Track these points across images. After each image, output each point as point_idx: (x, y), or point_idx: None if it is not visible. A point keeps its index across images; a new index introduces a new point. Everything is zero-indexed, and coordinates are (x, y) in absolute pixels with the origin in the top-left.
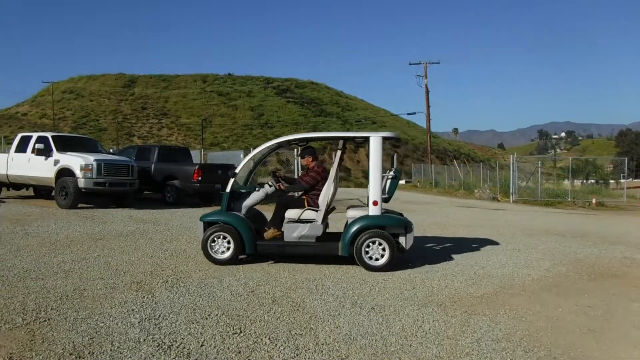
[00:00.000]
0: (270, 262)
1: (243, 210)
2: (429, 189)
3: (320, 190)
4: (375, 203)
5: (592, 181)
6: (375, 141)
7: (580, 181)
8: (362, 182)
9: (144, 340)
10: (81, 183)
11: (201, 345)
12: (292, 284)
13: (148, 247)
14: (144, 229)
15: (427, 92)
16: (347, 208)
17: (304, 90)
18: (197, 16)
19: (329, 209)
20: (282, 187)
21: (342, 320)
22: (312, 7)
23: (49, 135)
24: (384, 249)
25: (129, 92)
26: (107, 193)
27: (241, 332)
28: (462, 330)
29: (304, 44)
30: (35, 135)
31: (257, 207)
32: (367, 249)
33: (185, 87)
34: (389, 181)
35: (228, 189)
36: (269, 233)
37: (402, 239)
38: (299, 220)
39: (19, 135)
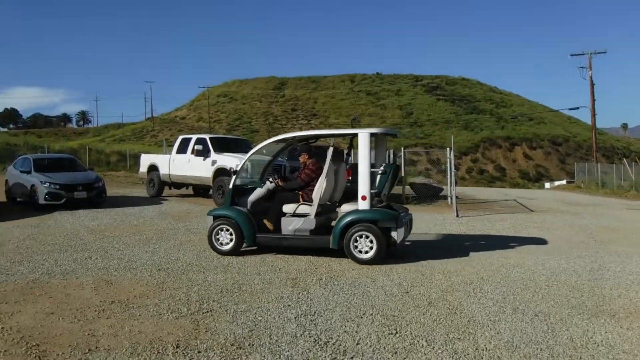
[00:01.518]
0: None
1: (248, 205)
2: (595, 189)
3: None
4: (363, 198)
5: None
6: (363, 137)
7: None
8: (518, 182)
9: (301, 335)
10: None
11: (357, 344)
12: (447, 287)
13: None
14: None
15: (592, 84)
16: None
17: (455, 87)
18: (344, 17)
19: (334, 203)
20: (280, 183)
21: (503, 326)
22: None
23: (207, 137)
24: (371, 242)
25: (279, 94)
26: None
27: (397, 332)
28: None
29: (455, 39)
30: (194, 137)
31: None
32: (355, 243)
33: (334, 88)
34: (378, 176)
35: (231, 185)
36: (266, 223)
37: (393, 233)
38: (295, 215)
39: (180, 138)
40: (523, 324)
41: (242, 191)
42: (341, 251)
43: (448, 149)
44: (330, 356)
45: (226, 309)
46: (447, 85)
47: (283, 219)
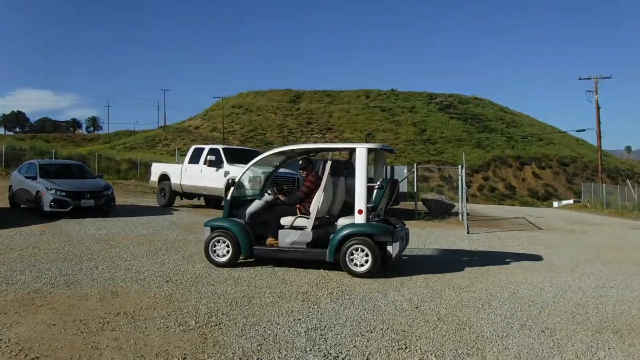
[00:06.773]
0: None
1: (246, 217)
2: (600, 209)
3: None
4: (360, 212)
5: None
6: (360, 152)
7: None
8: (528, 200)
9: (310, 350)
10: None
11: (366, 359)
12: (457, 302)
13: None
14: None
15: (598, 108)
16: (339, 217)
17: (467, 105)
18: (359, 33)
19: (333, 217)
20: (281, 198)
21: (511, 342)
22: (475, 19)
23: (220, 147)
24: (367, 255)
25: (294, 107)
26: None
27: (406, 347)
28: None
29: (469, 58)
30: (207, 147)
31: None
32: (351, 256)
33: (349, 103)
34: (375, 191)
35: (229, 197)
36: (269, 241)
37: (389, 247)
38: (292, 227)
39: (193, 148)
40: (530, 340)
41: (240, 203)
42: (337, 264)
43: (460, 166)
44: None
45: (235, 322)
46: (459, 104)
47: (281, 232)
